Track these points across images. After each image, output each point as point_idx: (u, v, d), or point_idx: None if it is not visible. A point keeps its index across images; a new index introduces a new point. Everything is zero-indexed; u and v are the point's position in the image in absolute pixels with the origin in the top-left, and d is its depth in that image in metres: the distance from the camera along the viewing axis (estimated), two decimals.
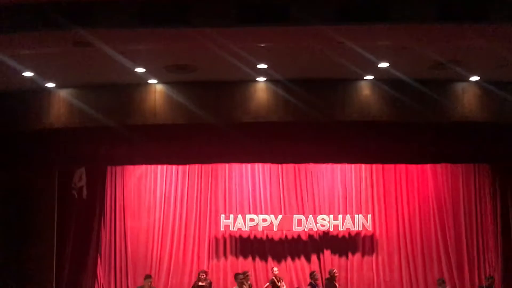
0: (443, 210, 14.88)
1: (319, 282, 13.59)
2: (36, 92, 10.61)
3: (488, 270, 13.56)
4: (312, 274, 13.42)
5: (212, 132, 10.34)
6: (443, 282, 11.88)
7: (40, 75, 9.90)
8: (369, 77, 10.34)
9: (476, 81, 10.50)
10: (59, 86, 10.51)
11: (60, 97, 10.52)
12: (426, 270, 14.63)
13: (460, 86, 10.58)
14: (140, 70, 9.77)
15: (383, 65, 9.63)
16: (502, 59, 9.10)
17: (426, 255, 14.78)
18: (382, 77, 10.26)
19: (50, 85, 10.46)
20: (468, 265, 14.46)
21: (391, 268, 14.79)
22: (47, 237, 11.28)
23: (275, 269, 13.92)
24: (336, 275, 13.54)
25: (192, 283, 14.08)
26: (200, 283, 13.43)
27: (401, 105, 10.27)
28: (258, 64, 9.47)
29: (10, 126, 10.40)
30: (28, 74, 9.82)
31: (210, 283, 13.48)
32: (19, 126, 10.42)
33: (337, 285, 13.29)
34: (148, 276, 12.04)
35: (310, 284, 13.12)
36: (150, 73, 9.98)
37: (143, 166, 14.60)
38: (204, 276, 13.54)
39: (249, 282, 12.40)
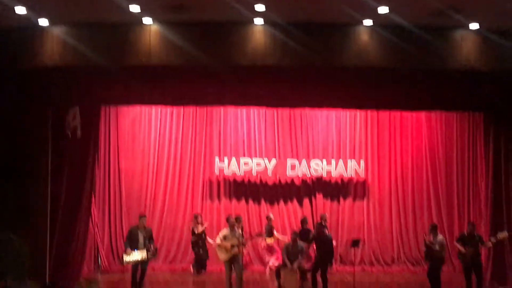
0: (435, 158, 15.03)
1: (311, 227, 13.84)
2: (29, 30, 10.38)
3: (478, 218, 13.77)
4: (303, 220, 13.63)
5: (207, 74, 10.23)
6: (435, 228, 12.04)
7: (32, 10, 9.68)
8: (368, 23, 10.19)
9: (475, 29, 10.37)
10: (53, 23, 10.30)
11: (54, 36, 10.32)
12: (416, 217, 14.91)
13: (459, 33, 10.45)
14: (135, 8, 9.57)
15: (383, 9, 9.47)
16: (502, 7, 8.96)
17: (417, 202, 15.02)
18: (381, 23, 10.11)
19: (44, 22, 10.25)
20: (458, 213, 14.71)
21: (381, 214, 15.05)
22: (41, 176, 11.28)
23: (271, 215, 14.10)
24: (327, 220, 13.76)
25: (185, 224, 14.32)
26: (197, 229, 13.60)
27: (399, 51, 10.16)
28: (256, 4, 9.29)
29: (2, 65, 10.24)
30: (20, 10, 9.61)
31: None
32: (12, 65, 10.27)
33: (327, 231, 13.48)
34: (142, 216, 12.15)
35: (301, 230, 13.33)
36: (145, 12, 9.78)
37: (137, 107, 14.55)
38: (201, 219, 13.74)
39: (241, 225, 12.55)
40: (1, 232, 10.48)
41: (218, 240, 11.75)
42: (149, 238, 11.88)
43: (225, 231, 11.84)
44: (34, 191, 11.23)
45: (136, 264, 11.73)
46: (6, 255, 10.22)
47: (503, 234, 11.70)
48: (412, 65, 10.11)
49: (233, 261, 11.57)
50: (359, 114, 15.12)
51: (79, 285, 10.75)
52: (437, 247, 11.73)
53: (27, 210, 11.10)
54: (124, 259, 11.73)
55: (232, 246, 11.54)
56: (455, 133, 14.91)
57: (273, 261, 13.68)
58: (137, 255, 11.62)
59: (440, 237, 11.92)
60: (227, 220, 12.14)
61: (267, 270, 13.86)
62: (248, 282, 12.74)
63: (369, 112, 14.92)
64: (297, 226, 14.17)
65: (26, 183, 11.20)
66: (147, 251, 11.69)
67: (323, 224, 13.31)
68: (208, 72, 10.10)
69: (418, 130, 15.18)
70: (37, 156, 11.34)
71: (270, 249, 13.88)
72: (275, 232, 13.90)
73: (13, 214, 10.91)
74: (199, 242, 13.63)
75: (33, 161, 11.32)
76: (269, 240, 13.78)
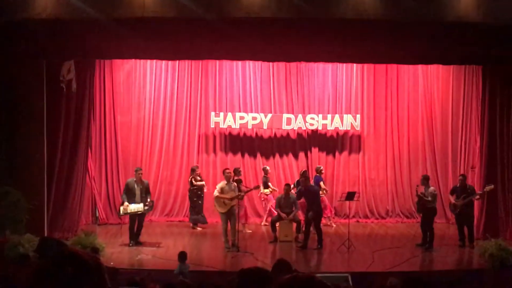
0: (431, 111, 15.06)
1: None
2: None
3: (470, 171, 13.93)
4: (303, 173, 13.74)
5: (202, 27, 10.09)
6: (427, 179, 12.22)
7: None
8: None
9: None
10: None
11: None
12: (411, 170, 15.04)
13: None
14: None
15: None
16: None
17: (412, 155, 15.13)
18: None
19: None
20: (452, 166, 14.83)
21: (376, 167, 15.17)
22: (36, 131, 11.28)
23: (267, 167, 14.19)
24: (322, 171, 13.88)
25: (182, 176, 14.43)
26: (195, 180, 13.70)
27: (396, 3, 10.01)
28: None
29: None
30: None
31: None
32: (4, 16, 10.10)
33: (323, 184, 13.64)
34: (138, 169, 12.25)
35: (298, 181, 13.46)
36: None
37: (132, 61, 14.43)
38: (199, 171, 13.83)
39: (240, 177, 12.69)
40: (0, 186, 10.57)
41: (215, 193, 11.92)
42: (146, 191, 12.01)
43: (222, 183, 12.01)
44: (30, 145, 11.25)
45: (133, 216, 11.90)
46: (4, 209, 10.33)
47: (489, 187, 11.93)
48: (409, 17, 9.97)
49: (229, 213, 11.76)
50: (355, 67, 15.05)
51: (77, 237, 10.88)
52: (429, 198, 11.92)
53: (24, 164, 11.15)
54: (121, 211, 11.89)
55: (230, 198, 11.72)
56: (451, 87, 14.90)
57: (270, 209, 13.88)
58: (133, 208, 11.77)
59: (431, 188, 12.12)
60: (224, 173, 12.26)
61: (265, 218, 14.11)
62: (244, 233, 12.97)
63: (365, 65, 14.85)
64: (292, 179, 14.31)
65: (22, 137, 11.20)
66: (144, 204, 11.84)
67: (319, 175, 13.53)
68: (203, 24, 9.95)
69: (414, 83, 15.16)
70: (32, 110, 11.32)
71: (266, 199, 14.05)
72: (270, 184, 14.03)
73: (10, 168, 10.96)
74: (198, 192, 13.74)
75: (28, 115, 11.30)
76: (266, 191, 13.92)
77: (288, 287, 2.13)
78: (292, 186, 13.21)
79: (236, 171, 12.80)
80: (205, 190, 13.76)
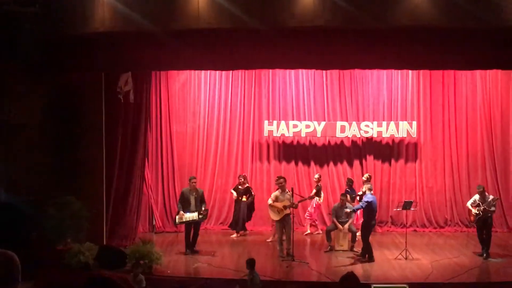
0: (490, 118, 14.61)
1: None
2: None
3: None
4: (348, 180, 13.65)
5: (256, 37, 10.14)
6: (483, 189, 11.90)
7: None
8: None
9: None
10: None
11: (104, 1, 10.42)
12: (470, 178, 14.61)
13: None
14: None
15: None
16: None
17: (471, 163, 14.71)
18: None
19: None
20: None
21: (434, 175, 14.82)
22: (96, 141, 11.62)
23: (317, 175, 14.11)
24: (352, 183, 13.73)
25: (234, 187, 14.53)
26: (239, 187, 13.85)
27: (453, 8, 9.77)
28: None
29: (55, 31, 10.43)
30: None
31: (248, 189, 13.85)
32: (63, 31, 10.43)
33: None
34: (192, 178, 12.40)
35: (346, 189, 13.37)
36: None
37: (187, 72, 14.66)
38: (242, 180, 13.89)
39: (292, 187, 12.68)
40: (61, 196, 10.90)
41: (270, 201, 11.98)
42: (201, 200, 12.15)
43: (276, 192, 12.04)
44: (90, 156, 11.58)
45: (188, 225, 12.06)
46: (66, 217, 10.65)
47: None
48: (467, 22, 9.72)
49: (283, 221, 11.77)
50: (411, 73, 14.78)
51: (135, 245, 11.10)
52: (493, 208, 11.63)
53: (84, 174, 11.49)
54: (176, 220, 12.08)
55: (284, 207, 11.73)
56: (511, 92, 14.43)
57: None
58: (189, 216, 11.93)
59: (491, 197, 11.82)
60: (276, 181, 12.28)
61: (313, 228, 14.07)
62: (298, 242, 12.92)
63: (421, 71, 14.55)
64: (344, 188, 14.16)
65: (82, 147, 11.54)
66: (199, 212, 11.97)
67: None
68: (257, 34, 10.01)
69: (472, 89, 14.74)
70: (92, 121, 11.67)
71: (319, 208, 14.06)
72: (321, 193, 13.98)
73: (71, 178, 11.30)
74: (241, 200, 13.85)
75: (88, 126, 11.65)
76: (319, 200, 13.87)
77: None
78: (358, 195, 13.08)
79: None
80: (233, 197, 14.06)
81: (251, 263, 9.52)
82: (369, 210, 11.62)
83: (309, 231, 14.12)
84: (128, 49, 10.71)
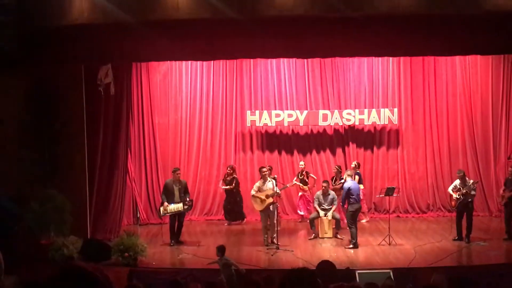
0: (471, 103, 14.76)
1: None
2: None
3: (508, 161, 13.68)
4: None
5: (236, 27, 10.11)
6: (464, 174, 12.07)
7: None
8: None
9: None
10: None
11: None
12: (452, 163, 14.76)
13: None
14: None
15: None
16: None
17: (452, 148, 14.87)
18: None
19: None
20: (494, 158, 14.54)
21: (415, 161, 14.96)
22: (77, 134, 11.52)
23: (302, 163, 14.19)
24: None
25: (220, 175, 14.52)
26: (227, 178, 13.88)
27: None
28: None
29: (32, 24, 10.30)
30: None
31: (234, 179, 13.88)
32: (41, 23, 10.31)
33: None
34: (176, 169, 12.40)
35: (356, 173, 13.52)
36: None
37: (168, 63, 14.60)
38: (231, 171, 13.91)
39: (275, 175, 12.71)
40: (44, 189, 10.83)
41: (252, 192, 12.02)
42: (185, 191, 12.15)
43: (258, 182, 12.08)
44: (71, 149, 11.50)
45: (173, 216, 12.06)
46: (49, 211, 10.58)
47: None
48: (445, 9, 9.79)
49: (268, 210, 11.82)
50: (391, 61, 14.85)
51: (120, 238, 11.07)
52: (473, 192, 11.76)
53: (66, 167, 11.41)
54: (161, 212, 12.07)
55: (267, 196, 11.78)
56: (491, 77, 14.59)
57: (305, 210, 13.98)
58: (173, 208, 11.93)
59: (470, 181, 11.95)
60: (260, 170, 12.32)
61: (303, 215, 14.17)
62: (283, 230, 13.00)
63: (401, 58, 14.63)
64: (330, 176, 14.23)
65: (63, 141, 11.45)
66: (183, 203, 11.98)
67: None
68: (236, 24, 9.98)
69: (452, 75, 14.87)
70: (72, 114, 11.57)
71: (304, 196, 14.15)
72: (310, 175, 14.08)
73: (53, 172, 11.22)
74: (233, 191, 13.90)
75: (68, 119, 11.55)
76: (305, 187, 13.96)
77: None
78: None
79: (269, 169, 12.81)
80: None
81: (221, 249, 9.68)
82: (349, 196, 11.72)
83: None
84: (107, 40, 10.63)
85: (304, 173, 13.94)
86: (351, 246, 11.56)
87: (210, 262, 10.01)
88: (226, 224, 14.13)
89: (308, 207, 14.03)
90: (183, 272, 9.89)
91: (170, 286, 6.15)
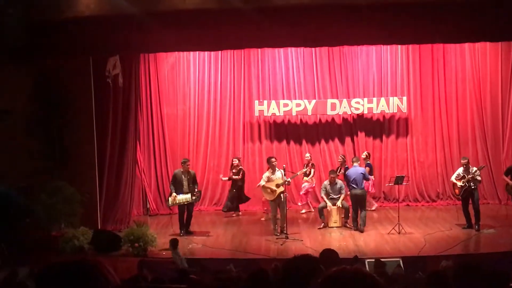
0: (480, 91, 14.66)
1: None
2: None
3: None
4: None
5: (243, 17, 10.06)
6: (468, 161, 12.04)
7: None
8: None
9: None
10: None
11: None
12: (461, 150, 14.66)
13: None
14: None
15: None
16: None
17: (461, 136, 14.79)
18: None
19: None
20: (503, 145, 14.45)
21: (425, 149, 14.90)
22: (86, 126, 11.58)
23: (307, 155, 14.17)
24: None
25: (229, 165, 14.52)
26: (233, 170, 13.83)
27: None
28: None
29: (39, 16, 10.32)
30: None
31: (241, 170, 13.84)
32: (48, 15, 10.32)
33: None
34: (185, 160, 12.42)
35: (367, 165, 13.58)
36: None
37: (176, 53, 14.59)
38: (237, 162, 13.89)
39: (283, 165, 12.70)
40: (53, 181, 10.89)
41: (262, 182, 12.04)
42: (193, 181, 12.18)
43: (267, 172, 12.09)
44: (81, 140, 11.55)
45: (182, 206, 12.10)
46: (59, 203, 10.65)
47: None
48: None
49: (278, 200, 11.85)
50: (400, 48, 14.76)
51: (130, 228, 11.14)
52: (478, 177, 11.72)
53: (75, 159, 11.46)
54: (169, 202, 12.12)
55: (277, 185, 11.80)
56: (500, 63, 14.45)
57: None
58: (182, 198, 11.97)
59: (474, 168, 11.91)
60: (268, 161, 12.32)
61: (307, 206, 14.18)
62: (292, 219, 13.02)
63: (410, 46, 14.53)
64: (338, 165, 14.23)
65: (72, 132, 11.50)
66: (192, 194, 12.01)
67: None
68: (243, 14, 9.94)
69: (462, 62, 14.76)
70: (81, 106, 11.61)
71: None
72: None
73: (62, 164, 11.28)
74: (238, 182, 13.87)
75: (77, 110, 11.59)
76: (307, 178, 13.96)
77: (335, 280, 2.12)
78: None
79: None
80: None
81: (173, 243, 9.85)
82: (348, 180, 12.33)
83: (304, 210, 14.23)
84: (115, 32, 10.62)
85: (310, 165, 13.92)
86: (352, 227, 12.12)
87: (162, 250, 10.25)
88: (225, 217, 14.05)
89: (308, 198, 14.13)
90: (192, 262, 9.95)
91: (179, 275, 6.19)
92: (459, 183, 11.85)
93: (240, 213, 14.16)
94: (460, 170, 11.95)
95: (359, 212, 12.14)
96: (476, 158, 13.98)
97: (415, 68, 14.84)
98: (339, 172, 13.43)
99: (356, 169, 12.40)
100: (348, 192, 12.46)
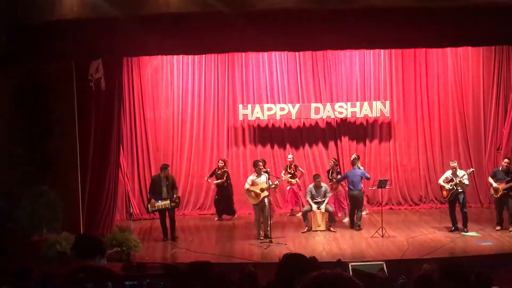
0: (462, 95, 14.82)
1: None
2: None
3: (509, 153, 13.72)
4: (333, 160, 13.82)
5: (226, 21, 10.06)
6: (456, 164, 12.16)
7: None
8: None
9: None
10: None
11: None
12: (444, 154, 14.81)
13: None
14: None
15: None
16: None
17: (444, 140, 14.93)
18: None
19: None
20: (485, 149, 14.60)
21: (408, 153, 15.01)
22: (68, 130, 11.45)
23: (290, 156, 14.20)
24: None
25: (212, 170, 14.49)
26: (218, 172, 13.83)
27: None
28: None
29: (23, 19, 10.22)
30: None
31: (225, 173, 13.84)
32: (31, 18, 10.23)
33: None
34: (164, 167, 12.30)
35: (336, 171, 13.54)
36: None
37: (159, 57, 14.54)
38: (222, 164, 13.88)
39: (267, 169, 12.70)
40: (35, 186, 10.76)
41: (247, 185, 12.00)
42: (172, 187, 12.09)
43: (252, 176, 12.07)
44: (63, 144, 11.42)
45: (162, 212, 12.03)
46: (41, 208, 10.52)
47: None
48: (436, 1, 9.77)
49: (261, 204, 11.82)
50: (383, 53, 14.87)
51: (113, 233, 11.04)
52: (466, 181, 11.84)
53: (57, 163, 11.33)
54: (149, 208, 12.08)
55: (261, 189, 11.78)
56: (482, 68, 14.63)
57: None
58: (161, 204, 11.92)
59: (462, 171, 12.02)
60: (254, 164, 12.30)
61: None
62: (276, 223, 13.00)
63: (393, 51, 14.65)
64: (323, 169, 14.27)
65: (54, 136, 11.38)
66: (170, 200, 11.93)
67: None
68: (226, 18, 9.93)
69: (444, 66, 14.91)
70: (63, 110, 11.47)
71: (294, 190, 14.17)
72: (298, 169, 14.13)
73: (44, 168, 11.14)
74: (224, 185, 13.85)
75: (59, 114, 11.45)
76: (293, 180, 13.97)
77: (315, 284, 2.12)
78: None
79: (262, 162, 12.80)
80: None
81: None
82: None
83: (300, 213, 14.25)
84: (98, 35, 10.54)
85: (292, 166, 13.95)
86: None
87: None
88: (216, 219, 14.08)
89: (297, 200, 14.10)
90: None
91: (166, 271, 6.05)
92: (447, 186, 11.94)
93: (235, 217, 14.14)
94: (449, 173, 12.05)
95: (356, 212, 12.61)
96: (458, 161, 14.06)
97: (397, 73, 14.96)
98: (331, 176, 13.47)
99: (355, 171, 12.65)
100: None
